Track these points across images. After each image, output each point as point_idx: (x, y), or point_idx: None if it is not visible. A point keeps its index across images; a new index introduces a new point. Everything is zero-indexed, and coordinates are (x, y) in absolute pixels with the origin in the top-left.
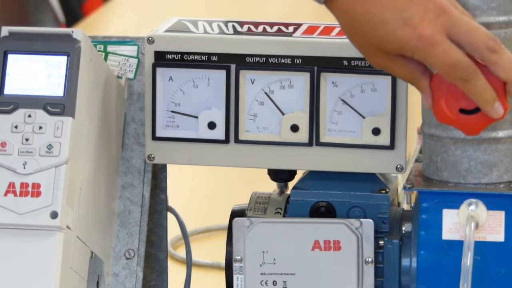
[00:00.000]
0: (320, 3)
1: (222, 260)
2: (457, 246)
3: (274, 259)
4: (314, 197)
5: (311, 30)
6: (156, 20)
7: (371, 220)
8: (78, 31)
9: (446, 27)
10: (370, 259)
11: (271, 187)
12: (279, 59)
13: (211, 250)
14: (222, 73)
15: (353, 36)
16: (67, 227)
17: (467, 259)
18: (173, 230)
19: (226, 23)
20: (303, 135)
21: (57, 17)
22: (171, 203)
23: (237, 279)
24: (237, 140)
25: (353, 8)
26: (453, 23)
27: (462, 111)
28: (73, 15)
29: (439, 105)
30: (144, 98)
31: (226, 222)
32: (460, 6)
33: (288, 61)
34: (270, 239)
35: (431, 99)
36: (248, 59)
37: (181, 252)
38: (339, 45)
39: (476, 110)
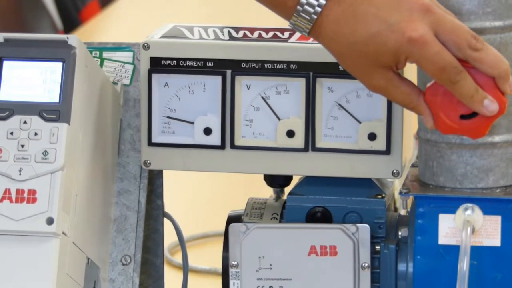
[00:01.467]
0: (306, 34)
1: (219, 266)
2: (453, 251)
3: (271, 265)
4: (310, 202)
5: None
6: (154, 26)
7: (367, 225)
8: (73, 38)
9: (432, 25)
10: (366, 264)
11: (267, 192)
12: (275, 64)
13: (208, 256)
14: (218, 79)
15: (347, 61)
16: (63, 233)
17: (464, 264)
18: (170, 236)
19: (221, 29)
20: (299, 141)
21: (54, 24)
22: (167, 209)
23: (233, 285)
24: (233, 146)
25: (339, 33)
26: (438, 21)
27: (463, 117)
28: (71, 22)
29: (439, 118)
30: (140, 104)
31: (223, 228)
32: (442, 6)
33: (284, 66)
34: (266, 244)
35: (431, 117)
36: (243, 65)
37: (178, 258)
38: None
39: (476, 112)
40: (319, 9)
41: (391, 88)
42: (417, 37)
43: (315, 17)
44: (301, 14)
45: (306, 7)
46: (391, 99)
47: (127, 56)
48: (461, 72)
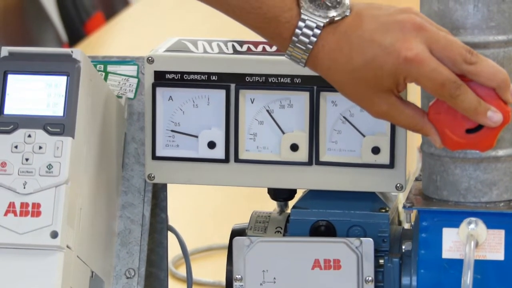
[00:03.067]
0: (303, 65)
1: (223, 279)
2: (457, 264)
3: (274, 278)
4: (314, 216)
5: None
6: (159, 39)
7: (371, 239)
8: (78, 51)
9: (426, 43)
10: (370, 278)
11: (271, 206)
12: (279, 78)
13: (212, 269)
14: (222, 92)
15: (347, 90)
16: (67, 246)
17: (467, 278)
18: (174, 249)
19: (225, 42)
20: (302, 154)
21: (59, 36)
22: (171, 222)
23: None
24: (237, 160)
25: (336, 62)
26: (432, 38)
27: (468, 131)
28: (76, 34)
29: (446, 136)
30: (144, 117)
31: (227, 241)
32: (435, 23)
33: (288, 80)
34: (270, 258)
35: (438, 136)
36: (247, 79)
37: (182, 271)
38: None
39: (481, 125)
40: (314, 39)
41: (394, 112)
42: (412, 56)
43: (311, 47)
44: (297, 44)
45: (301, 37)
46: (395, 123)
47: (131, 69)
48: (461, 86)
